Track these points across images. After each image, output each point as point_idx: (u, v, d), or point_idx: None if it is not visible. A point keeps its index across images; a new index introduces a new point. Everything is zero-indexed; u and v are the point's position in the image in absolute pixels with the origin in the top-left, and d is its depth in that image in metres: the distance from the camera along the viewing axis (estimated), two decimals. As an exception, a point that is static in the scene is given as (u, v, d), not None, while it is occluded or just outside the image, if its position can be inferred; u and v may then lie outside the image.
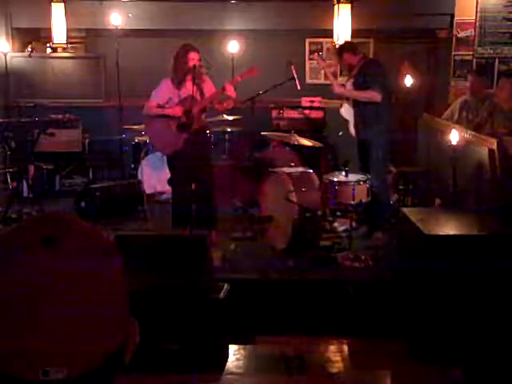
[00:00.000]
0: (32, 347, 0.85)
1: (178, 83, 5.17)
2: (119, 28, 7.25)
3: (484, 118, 5.64)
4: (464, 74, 7.07)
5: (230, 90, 5.05)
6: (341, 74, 8.40)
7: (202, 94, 5.18)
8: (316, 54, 6.30)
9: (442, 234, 3.82)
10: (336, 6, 7.72)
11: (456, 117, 6.06)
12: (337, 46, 6.67)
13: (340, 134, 6.17)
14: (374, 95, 5.39)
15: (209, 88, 5.22)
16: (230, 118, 7.02)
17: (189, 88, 5.07)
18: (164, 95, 5.20)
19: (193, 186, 5.46)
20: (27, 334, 0.84)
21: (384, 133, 5.51)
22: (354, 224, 5.35)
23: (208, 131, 5.73)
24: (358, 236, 5.43)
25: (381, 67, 5.70)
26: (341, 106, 5.82)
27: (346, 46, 5.92)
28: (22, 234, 0.90)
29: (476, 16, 7.26)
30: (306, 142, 5.78)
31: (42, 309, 0.84)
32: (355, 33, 7.73)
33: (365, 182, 5.14)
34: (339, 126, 6.37)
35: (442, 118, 6.30)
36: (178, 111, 5.11)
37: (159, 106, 5.21)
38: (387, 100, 5.52)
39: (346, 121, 5.82)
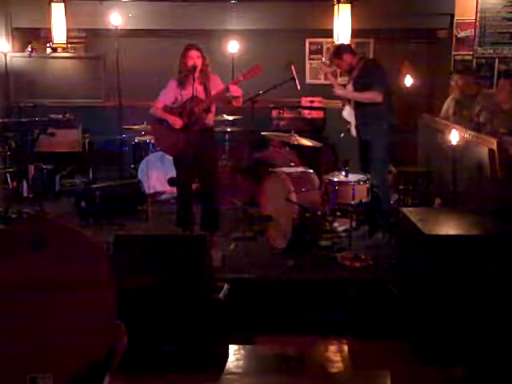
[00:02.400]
0: (18, 354, 0.84)
1: (182, 83, 5.15)
2: (119, 28, 7.24)
3: (477, 113, 5.65)
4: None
5: (235, 90, 5.01)
6: (341, 75, 8.40)
7: (207, 93, 5.15)
8: (320, 61, 6.23)
9: (442, 233, 3.82)
10: (336, 6, 7.72)
11: (451, 114, 6.08)
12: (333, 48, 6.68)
13: (342, 135, 6.18)
14: (376, 96, 5.41)
15: (216, 86, 5.16)
16: (230, 118, 7.02)
17: (193, 87, 5.04)
18: (170, 96, 5.19)
19: (193, 187, 5.47)
20: (13, 341, 0.84)
21: (385, 133, 5.52)
22: (353, 224, 5.35)
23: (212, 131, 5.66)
24: (357, 236, 5.43)
25: (380, 67, 5.71)
26: (342, 108, 5.82)
27: (345, 47, 5.93)
28: (9, 237, 0.89)
29: (476, 16, 7.26)
30: (306, 142, 5.78)
31: (28, 314, 0.84)
32: (355, 33, 7.73)
33: (365, 181, 5.14)
34: (339, 126, 6.37)
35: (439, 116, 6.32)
36: (178, 123, 5.09)
37: (166, 107, 5.20)
38: (388, 100, 5.53)
39: (348, 122, 5.83)
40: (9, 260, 0.86)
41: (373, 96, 5.42)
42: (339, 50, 5.83)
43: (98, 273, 0.91)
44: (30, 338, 0.83)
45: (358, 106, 5.60)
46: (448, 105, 6.27)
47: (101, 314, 0.90)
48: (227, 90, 5.03)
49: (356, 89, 5.59)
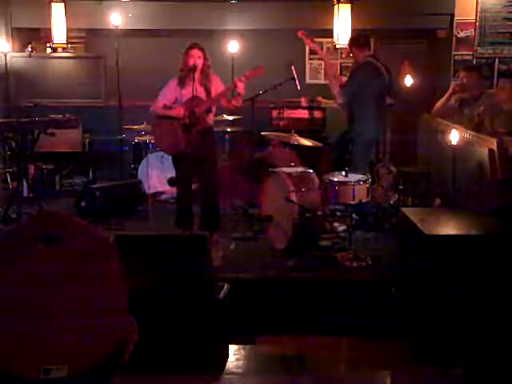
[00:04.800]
0: (33, 345, 0.85)
1: (182, 82, 5.15)
2: (119, 28, 7.24)
3: (481, 113, 5.64)
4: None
5: (241, 87, 5.04)
6: (341, 74, 8.41)
7: (208, 93, 5.13)
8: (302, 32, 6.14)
9: (442, 234, 3.82)
10: (336, 6, 7.72)
11: (456, 113, 6.07)
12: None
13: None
14: (338, 95, 5.73)
15: (216, 87, 5.16)
16: (230, 118, 7.02)
17: (192, 87, 5.03)
18: (170, 95, 5.18)
19: (193, 187, 5.47)
20: (28, 333, 0.84)
21: (362, 134, 5.74)
22: (353, 224, 5.35)
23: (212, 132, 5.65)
24: (357, 236, 5.43)
25: (368, 71, 5.82)
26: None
27: (355, 41, 6.08)
28: (22, 233, 0.90)
29: (476, 16, 7.27)
30: (306, 142, 5.78)
31: (43, 307, 0.85)
32: (355, 33, 7.73)
33: (365, 181, 5.14)
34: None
35: (435, 109, 6.32)
36: (180, 112, 5.07)
37: (165, 107, 5.19)
38: (361, 104, 5.74)
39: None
40: (23, 255, 0.86)
41: (336, 94, 5.74)
42: (351, 42, 6.15)
43: (110, 267, 0.92)
44: (45, 330, 0.84)
45: (345, 108, 5.80)
46: (454, 103, 6.25)
47: (113, 307, 0.91)
48: (235, 86, 5.05)
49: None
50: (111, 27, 7.25)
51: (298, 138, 5.75)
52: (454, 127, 5.08)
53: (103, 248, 0.85)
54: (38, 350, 0.78)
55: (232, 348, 3.95)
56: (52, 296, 0.77)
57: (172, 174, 5.57)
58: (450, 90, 6.21)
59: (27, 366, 0.78)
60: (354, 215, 5.16)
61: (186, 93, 5.10)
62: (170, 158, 5.46)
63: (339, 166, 5.62)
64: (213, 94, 5.13)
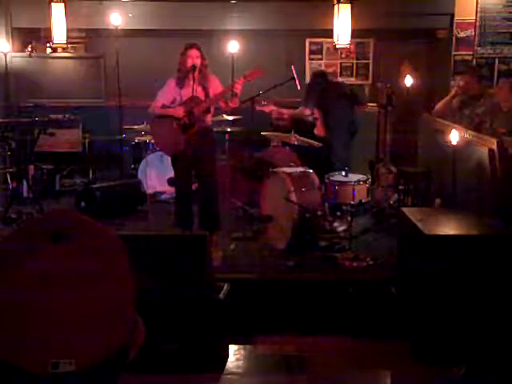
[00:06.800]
0: (42, 340, 0.85)
1: (180, 82, 5.15)
2: (119, 28, 7.24)
3: (481, 114, 5.64)
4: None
5: (238, 88, 5.04)
6: (341, 75, 8.42)
7: (206, 93, 5.14)
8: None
9: (441, 233, 3.82)
10: (336, 6, 7.72)
11: (457, 114, 6.08)
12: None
13: None
14: (303, 111, 6.38)
15: (215, 87, 5.16)
16: (230, 118, 7.02)
17: (192, 88, 5.04)
18: (168, 95, 5.18)
19: (193, 187, 5.47)
20: (37, 328, 0.84)
21: (339, 127, 6.22)
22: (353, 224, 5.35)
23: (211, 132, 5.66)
24: (357, 236, 5.42)
25: (316, 81, 6.51)
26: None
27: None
28: (32, 231, 0.90)
29: (476, 16, 7.27)
30: (306, 142, 5.78)
31: (52, 303, 0.85)
32: (355, 33, 7.73)
33: (365, 181, 5.14)
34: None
35: (436, 110, 6.33)
36: (179, 112, 5.07)
37: (164, 107, 5.19)
38: (330, 105, 6.20)
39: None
40: (31, 253, 0.86)
41: (302, 111, 6.35)
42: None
43: (119, 265, 0.92)
44: (53, 326, 0.84)
45: (320, 115, 6.24)
46: (455, 104, 6.26)
47: (121, 305, 0.91)
48: (234, 86, 5.04)
49: None
50: (111, 27, 7.25)
51: (298, 137, 5.75)
52: (454, 127, 5.08)
53: (113, 245, 0.85)
54: (46, 345, 0.78)
55: (232, 348, 3.94)
56: (61, 292, 0.77)
57: (172, 174, 5.57)
58: (453, 92, 6.22)
59: (36, 360, 0.78)
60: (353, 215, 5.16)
61: (186, 93, 5.10)
62: (170, 158, 5.47)
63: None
64: (211, 94, 5.13)
